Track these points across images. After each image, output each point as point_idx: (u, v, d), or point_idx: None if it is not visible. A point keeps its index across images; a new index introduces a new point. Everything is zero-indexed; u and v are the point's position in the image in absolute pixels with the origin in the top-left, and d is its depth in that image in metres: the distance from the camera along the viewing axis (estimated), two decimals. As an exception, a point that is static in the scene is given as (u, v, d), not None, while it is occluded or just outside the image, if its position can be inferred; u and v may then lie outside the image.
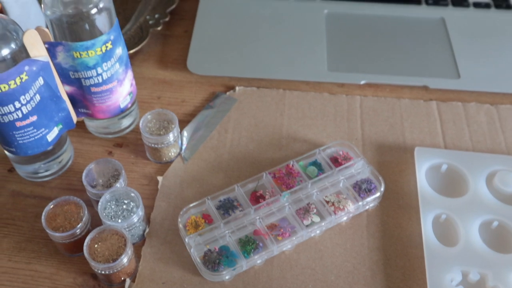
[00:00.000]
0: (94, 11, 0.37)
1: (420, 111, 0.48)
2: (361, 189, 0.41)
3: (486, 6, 0.57)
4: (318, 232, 0.39)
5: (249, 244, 0.38)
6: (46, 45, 0.37)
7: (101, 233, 0.36)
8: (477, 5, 0.57)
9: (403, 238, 0.39)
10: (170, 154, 0.43)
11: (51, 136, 0.40)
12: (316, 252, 0.38)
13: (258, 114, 0.47)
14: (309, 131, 0.46)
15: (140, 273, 0.37)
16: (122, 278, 0.36)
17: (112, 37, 0.39)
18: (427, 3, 0.57)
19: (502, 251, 0.38)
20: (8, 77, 0.34)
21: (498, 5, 0.57)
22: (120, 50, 0.40)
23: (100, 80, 0.40)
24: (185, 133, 0.45)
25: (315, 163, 0.43)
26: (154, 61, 0.52)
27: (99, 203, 0.37)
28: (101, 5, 0.37)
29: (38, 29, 0.36)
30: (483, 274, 0.37)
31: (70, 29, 0.37)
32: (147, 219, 0.40)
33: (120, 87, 0.42)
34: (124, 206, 0.38)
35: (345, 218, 0.40)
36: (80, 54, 0.38)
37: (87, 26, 0.37)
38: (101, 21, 0.37)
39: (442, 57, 0.51)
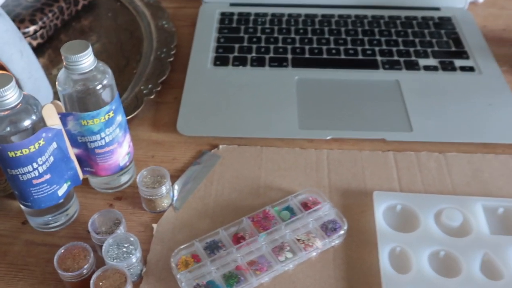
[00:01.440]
0: (99, 87, 0.45)
1: (379, 160, 0.55)
2: (328, 228, 0.48)
3: (435, 68, 0.66)
4: (291, 266, 0.46)
5: (232, 278, 0.44)
6: (59, 115, 0.45)
7: (105, 272, 0.42)
8: (426, 68, 0.66)
9: (364, 269, 0.46)
10: (163, 204, 0.50)
11: (61, 191, 0.47)
12: (290, 283, 0.45)
13: (239, 168, 0.55)
14: (283, 181, 0.53)
15: (138, 307, 0.43)
16: (124, 311, 0.42)
17: (113, 107, 0.46)
18: (384, 68, 0.66)
19: (448, 276, 0.44)
20: (29, 143, 0.41)
21: (444, 68, 0.66)
22: (120, 117, 0.48)
23: (103, 143, 0.48)
24: (176, 186, 0.52)
25: (288, 208, 0.50)
26: (148, 125, 0.60)
27: (103, 246, 0.43)
28: (104, 82, 0.45)
29: (53, 103, 0.44)
30: (432, 296, 0.43)
31: (79, 102, 0.45)
32: (144, 260, 0.46)
33: (120, 148, 0.49)
34: (124, 249, 0.44)
35: (314, 254, 0.47)
36: (87, 122, 0.45)
37: (93, 99, 0.45)
38: (105, 95, 0.45)
39: (397, 113, 0.60)
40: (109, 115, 0.46)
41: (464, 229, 0.49)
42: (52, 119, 0.43)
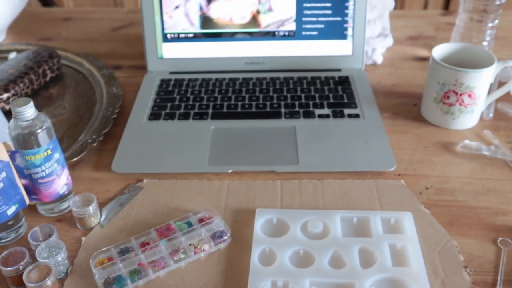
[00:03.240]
0: (39, 131, 0.60)
1: (268, 187, 0.70)
2: (216, 236, 0.62)
3: (327, 116, 0.81)
4: (183, 264, 0.59)
5: (135, 273, 0.58)
6: (9, 153, 0.60)
7: (35, 266, 0.56)
8: (320, 116, 0.82)
9: (240, 265, 0.59)
10: (91, 222, 0.65)
11: (10, 211, 0.61)
12: (180, 277, 0.58)
13: (156, 196, 0.69)
14: (189, 204, 0.68)
15: (62, 295, 0.57)
16: (49, 298, 0.55)
17: (51, 146, 0.62)
18: (285, 117, 0.82)
19: (302, 267, 0.58)
20: (-18, 171, 0.57)
21: (335, 116, 0.82)
22: (57, 155, 0.63)
23: (44, 174, 0.63)
24: (104, 210, 0.67)
25: (187, 222, 0.64)
26: (90, 166, 0.75)
27: (37, 249, 0.58)
28: (43, 128, 0.61)
29: (4, 143, 0.59)
30: (286, 281, 0.56)
31: (24, 142, 0.60)
32: (71, 262, 0.60)
33: (58, 179, 0.64)
34: (54, 252, 0.58)
35: (202, 255, 0.60)
36: (30, 157, 0.61)
37: (34, 140, 0.60)
38: (43, 137, 0.61)
39: (288, 151, 0.75)
40: (47, 152, 0.62)
41: (323, 234, 0.62)
42: (2, 155, 0.59)
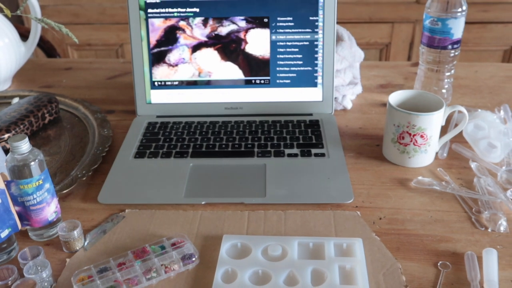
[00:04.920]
0: (32, 163, 0.69)
1: (237, 217, 0.78)
2: (185, 258, 0.69)
3: (295, 155, 0.90)
4: (154, 281, 0.67)
5: (111, 288, 0.65)
6: (5, 182, 0.69)
7: (22, 281, 0.63)
8: (289, 155, 0.90)
9: (205, 283, 0.66)
10: (75, 246, 0.72)
11: (4, 234, 0.69)
12: (151, 292, 0.66)
13: (136, 224, 0.77)
14: (164, 231, 0.75)
15: (45, 307, 0.64)
16: (34, 310, 0.63)
17: (42, 177, 0.71)
18: (257, 156, 0.90)
19: (259, 285, 0.65)
20: (-19, 197, 0.65)
21: (303, 155, 0.90)
22: (48, 185, 0.72)
23: (35, 202, 0.71)
24: (88, 235, 0.75)
25: (161, 246, 0.71)
26: (79, 198, 0.83)
27: (25, 267, 0.65)
28: (36, 160, 0.70)
29: (1, 174, 0.68)
30: (244, 296, 0.63)
31: (19, 172, 0.69)
32: (55, 280, 0.67)
33: (48, 207, 0.73)
34: (40, 269, 0.66)
35: (172, 274, 0.68)
36: (23, 186, 0.69)
37: (27, 171, 0.69)
38: (36, 168, 0.70)
39: (257, 186, 0.83)
40: (39, 182, 0.70)
41: (281, 257, 0.69)
42: (-1, 184, 0.68)
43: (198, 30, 1.00)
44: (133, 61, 1.01)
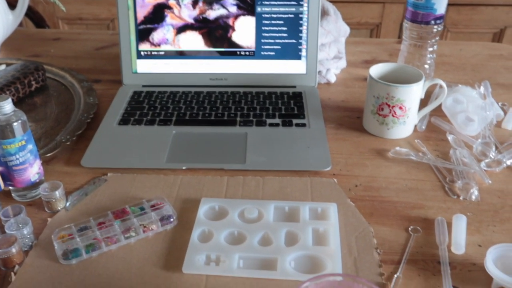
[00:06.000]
0: (15, 124, 0.71)
1: (216, 182, 0.79)
2: (164, 218, 0.71)
3: (277, 125, 0.92)
4: (133, 240, 0.69)
5: (90, 246, 0.67)
6: (-12, 142, 0.70)
7: (3, 236, 0.65)
8: (271, 125, 0.92)
9: (181, 242, 0.68)
10: (57, 206, 0.74)
11: (-13, 193, 0.71)
12: (130, 250, 0.67)
13: (117, 187, 0.79)
14: (145, 194, 0.77)
15: (25, 262, 0.66)
16: (14, 264, 0.64)
17: (25, 138, 0.72)
18: (239, 125, 0.92)
19: (234, 245, 0.67)
20: (-37, 154, 0.67)
21: (284, 125, 0.92)
22: (31, 146, 0.73)
23: (18, 162, 0.72)
24: (70, 197, 0.76)
25: (141, 207, 0.73)
26: (63, 162, 0.85)
27: (7, 224, 0.67)
28: (19, 121, 0.71)
29: (-17, 133, 0.70)
30: (218, 255, 0.65)
31: (2, 133, 0.70)
32: (36, 237, 0.69)
33: (30, 168, 0.74)
34: (21, 226, 0.67)
35: (150, 234, 0.70)
36: (6, 146, 0.71)
37: (10, 131, 0.70)
38: (19, 129, 0.71)
39: (237, 153, 0.85)
40: (21, 142, 0.72)
41: (257, 219, 0.71)
42: (-18, 143, 0.69)
43: (186, 11, 1.00)
44: (119, 30, 1.02)
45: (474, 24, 2.02)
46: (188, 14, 1.01)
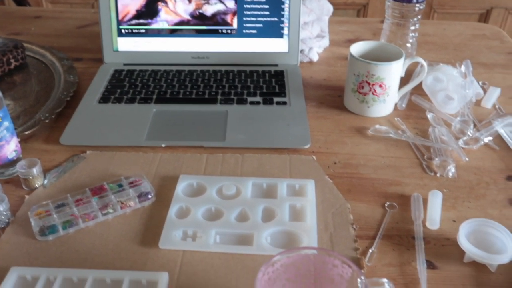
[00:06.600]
0: (-10, 100, 0.70)
1: (195, 159, 0.79)
2: (142, 195, 0.71)
3: (257, 103, 0.92)
4: (110, 217, 0.69)
5: (67, 222, 0.67)
6: (-37, 119, 0.70)
7: (-20, 213, 0.65)
8: (252, 103, 0.92)
9: (159, 218, 0.68)
10: (35, 184, 0.74)
11: (-37, 170, 0.71)
12: (107, 227, 0.67)
13: (96, 164, 0.79)
14: (124, 171, 0.77)
15: (1, 239, 0.66)
16: (-9, 240, 0.64)
17: (1, 115, 0.71)
18: (220, 103, 0.92)
19: (212, 220, 0.67)
20: None
21: (265, 103, 0.92)
22: (7, 123, 0.73)
23: (-6, 140, 0.72)
24: (48, 174, 0.76)
25: (119, 184, 0.73)
26: (42, 140, 0.84)
27: (-17, 200, 0.67)
28: (-6, 98, 0.70)
29: (-42, 109, 0.69)
30: (195, 231, 0.66)
31: (-24, 110, 0.70)
32: (13, 214, 0.69)
33: (7, 145, 0.74)
34: (-2, 204, 0.67)
35: (128, 210, 0.70)
36: (-18, 123, 0.70)
37: (-15, 108, 0.70)
38: (-6, 106, 0.71)
39: (218, 131, 0.84)
40: (-3, 120, 0.71)
41: (235, 196, 0.72)
42: (-43, 120, 0.68)
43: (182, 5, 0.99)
44: (99, 7, 1.01)
45: (460, 5, 2.01)
46: (184, 9, 1.00)
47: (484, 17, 2.04)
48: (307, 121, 0.87)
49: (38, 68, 1.04)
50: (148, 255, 0.64)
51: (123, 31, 1.02)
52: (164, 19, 1.01)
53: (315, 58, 1.09)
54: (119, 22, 1.01)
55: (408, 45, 1.06)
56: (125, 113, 0.89)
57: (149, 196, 0.71)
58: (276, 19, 1.01)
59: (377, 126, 0.87)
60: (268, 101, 0.92)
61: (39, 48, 1.09)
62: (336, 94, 0.97)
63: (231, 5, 1.00)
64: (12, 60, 1.01)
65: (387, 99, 0.89)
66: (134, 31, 1.02)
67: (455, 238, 0.64)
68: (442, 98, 0.91)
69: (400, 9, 1.02)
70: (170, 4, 1.00)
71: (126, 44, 1.03)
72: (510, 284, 0.60)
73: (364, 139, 0.85)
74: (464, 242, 0.62)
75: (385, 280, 0.50)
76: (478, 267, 0.62)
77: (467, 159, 0.80)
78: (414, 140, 0.84)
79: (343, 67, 1.07)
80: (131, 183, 0.73)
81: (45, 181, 0.75)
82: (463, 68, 1.02)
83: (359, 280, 0.48)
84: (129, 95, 0.94)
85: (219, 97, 0.93)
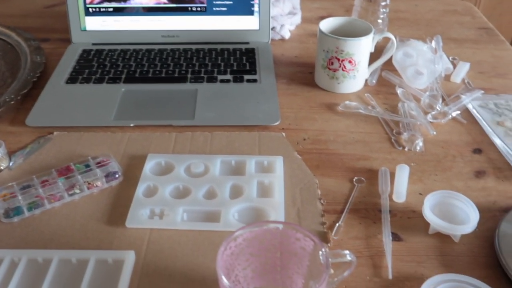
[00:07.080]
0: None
1: (164, 138, 0.79)
2: (109, 175, 0.71)
3: (228, 81, 0.91)
4: (77, 197, 0.68)
5: (33, 203, 0.66)
6: None
7: None
8: (222, 81, 0.91)
9: (127, 197, 0.68)
10: (0, 166, 0.73)
11: None
12: (74, 207, 0.67)
13: (63, 145, 0.78)
14: (91, 152, 0.76)
15: (-34, 222, 0.65)
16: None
17: (-38, 97, 0.70)
18: (190, 81, 0.91)
19: (180, 198, 0.67)
20: None
21: (235, 80, 0.91)
22: (-31, 105, 0.71)
23: (-44, 122, 0.71)
24: (13, 156, 0.75)
25: (86, 165, 0.72)
26: (8, 122, 0.83)
27: None
28: (-46, 79, 0.69)
29: None
30: (162, 209, 0.65)
31: None
32: (-23, 197, 0.68)
33: (-30, 127, 0.72)
34: (-39, 187, 0.66)
35: (95, 190, 0.69)
36: None
37: None
38: (-46, 87, 0.69)
39: (187, 109, 0.84)
40: (-42, 101, 0.70)
41: (203, 173, 0.72)
42: None
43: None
44: (65, -14, 0.99)
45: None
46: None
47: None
48: (277, 98, 0.87)
49: (4, 49, 1.02)
50: (115, 234, 0.63)
51: (90, 9, 1.00)
52: (132, -3, 1.00)
53: (287, 35, 1.08)
54: (86, 1, 0.99)
55: (379, 21, 1.06)
56: (93, 93, 0.88)
57: (117, 176, 0.71)
58: (246, -4, 1.00)
59: (347, 102, 0.87)
60: (238, 79, 0.91)
61: (4, 29, 1.06)
62: (307, 71, 0.97)
63: (200, -18, 0.99)
64: (-24, 41, 0.99)
65: (357, 75, 0.89)
66: (102, 9, 1.00)
67: (420, 210, 0.65)
68: (412, 73, 0.91)
69: (370, -16, 1.01)
70: (138, -18, 0.99)
71: (94, 24, 1.01)
72: (472, 253, 0.61)
73: (334, 115, 0.86)
74: (428, 213, 0.63)
75: (346, 251, 0.51)
76: (442, 238, 0.63)
77: (434, 133, 0.80)
78: (384, 115, 0.84)
79: (315, 44, 1.06)
80: (99, 163, 0.72)
81: (11, 163, 0.74)
82: (433, 43, 1.03)
83: (320, 252, 0.48)
84: (98, 75, 0.92)
85: (189, 75, 0.92)
